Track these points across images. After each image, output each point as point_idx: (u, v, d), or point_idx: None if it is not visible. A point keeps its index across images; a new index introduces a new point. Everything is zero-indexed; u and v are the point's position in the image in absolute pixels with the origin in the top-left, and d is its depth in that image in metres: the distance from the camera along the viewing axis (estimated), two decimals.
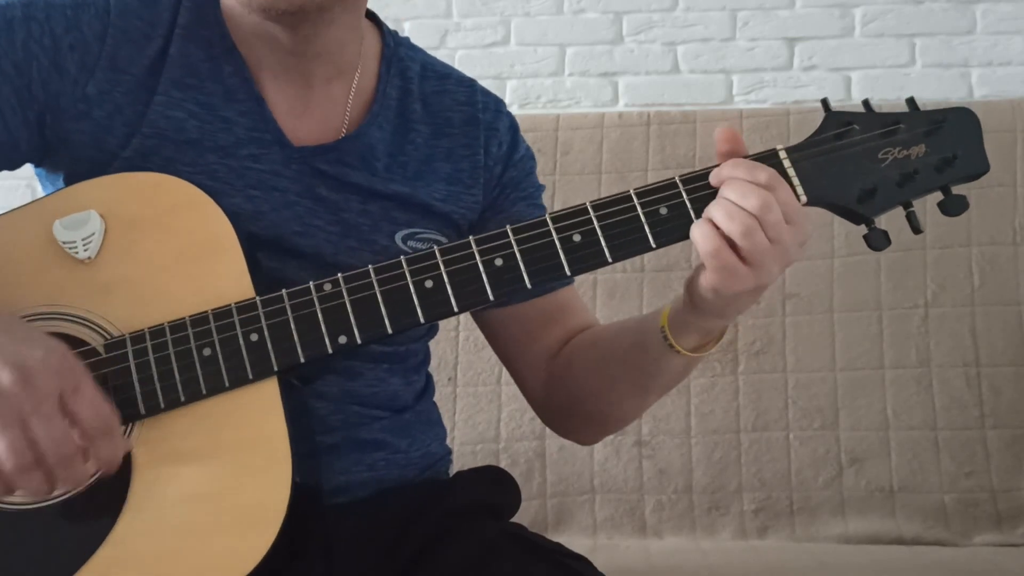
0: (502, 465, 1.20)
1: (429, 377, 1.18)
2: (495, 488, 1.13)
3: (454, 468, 1.18)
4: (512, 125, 1.17)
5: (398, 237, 1.06)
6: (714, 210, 0.90)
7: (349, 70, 1.08)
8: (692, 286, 0.94)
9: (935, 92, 2.28)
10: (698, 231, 0.90)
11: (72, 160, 0.99)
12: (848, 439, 1.74)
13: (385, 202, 1.06)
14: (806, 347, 1.77)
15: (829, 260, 1.79)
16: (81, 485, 0.85)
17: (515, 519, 1.13)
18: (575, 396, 1.12)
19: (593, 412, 1.12)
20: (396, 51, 1.12)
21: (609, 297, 1.82)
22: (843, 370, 1.76)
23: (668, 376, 1.05)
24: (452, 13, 2.40)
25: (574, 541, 1.19)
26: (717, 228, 0.89)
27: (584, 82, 2.38)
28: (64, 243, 0.92)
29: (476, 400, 1.77)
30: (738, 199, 0.88)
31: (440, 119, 1.12)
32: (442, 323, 1.20)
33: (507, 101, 2.42)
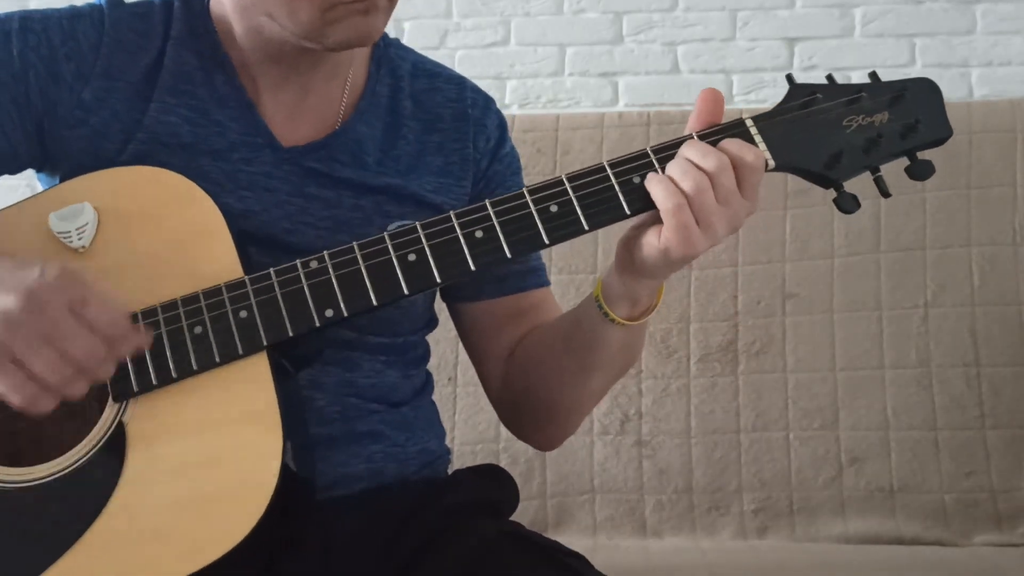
0: (502, 465, 1.20)
1: (429, 375, 1.19)
2: (493, 486, 1.14)
3: (454, 468, 1.18)
4: (500, 123, 1.19)
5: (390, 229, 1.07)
6: (671, 166, 0.92)
7: (342, 72, 1.10)
8: (633, 245, 0.96)
9: None
10: (659, 187, 0.92)
11: (70, 165, 1.01)
12: (848, 439, 1.74)
13: (378, 196, 1.08)
14: (806, 347, 1.77)
15: (829, 260, 1.79)
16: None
17: (514, 518, 1.13)
18: (526, 385, 1.13)
19: (542, 401, 1.12)
20: (386, 51, 1.15)
21: None
22: (843, 370, 1.76)
23: (607, 350, 1.05)
24: (452, 13, 2.41)
25: (574, 541, 1.19)
26: (676, 185, 0.91)
27: (584, 82, 2.38)
28: (59, 233, 0.94)
29: (476, 400, 1.77)
30: (696, 158, 0.91)
31: (431, 115, 1.14)
32: (441, 323, 1.21)
33: (507, 101, 2.43)
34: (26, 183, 2.31)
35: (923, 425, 1.73)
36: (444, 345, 1.75)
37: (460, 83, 1.17)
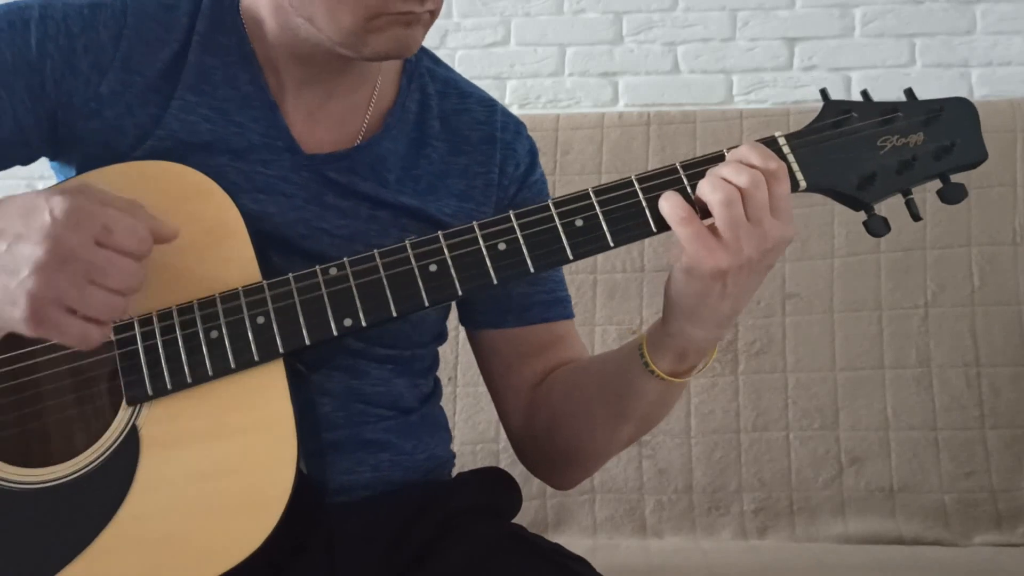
0: (502, 465, 1.19)
1: (437, 381, 1.17)
2: (496, 489, 1.12)
3: (456, 469, 1.18)
4: (532, 150, 1.16)
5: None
6: (702, 183, 0.90)
7: (370, 80, 1.08)
8: (668, 284, 0.94)
9: (935, 92, 2.25)
10: (667, 201, 0.90)
11: (83, 157, 1.00)
12: (848, 439, 1.74)
13: (394, 211, 1.06)
14: (806, 347, 1.77)
15: (829, 260, 1.79)
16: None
17: (515, 519, 1.13)
18: (550, 424, 1.10)
19: (567, 442, 1.10)
20: (418, 66, 1.12)
21: (609, 297, 1.82)
22: (843, 370, 1.76)
23: (643, 402, 1.02)
24: (452, 13, 2.41)
25: (574, 541, 1.19)
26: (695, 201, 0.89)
27: (584, 82, 2.38)
28: None
29: (476, 400, 1.77)
30: (729, 175, 0.89)
31: (458, 137, 1.11)
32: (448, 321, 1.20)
33: (507, 101, 2.43)
34: (26, 183, 2.32)
35: (923, 425, 1.73)
36: (444, 345, 1.74)
37: (491, 106, 1.15)
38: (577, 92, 2.38)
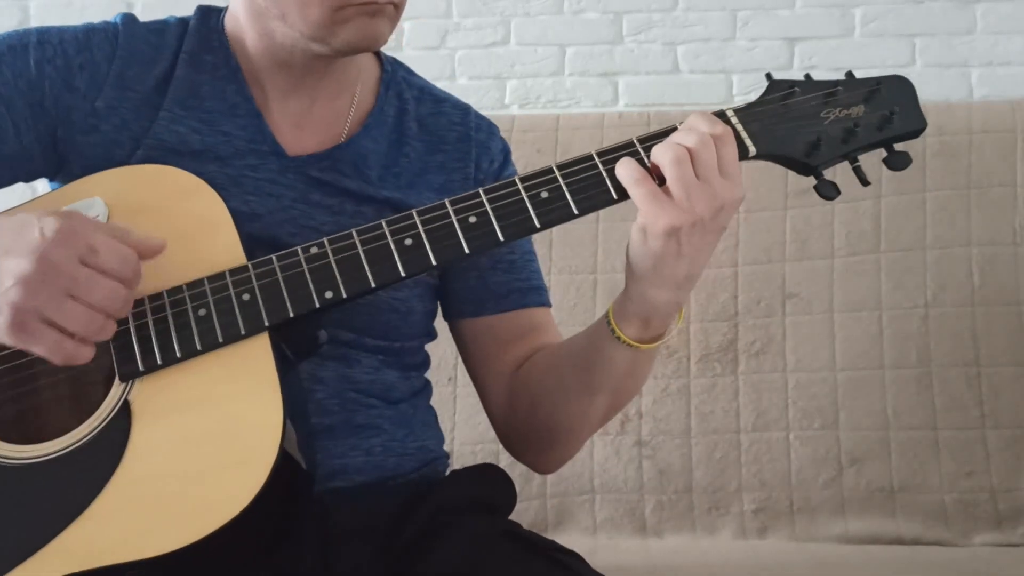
0: (501, 465, 1.20)
1: (428, 382, 1.21)
2: (491, 485, 1.15)
3: (453, 468, 1.19)
4: (504, 149, 1.22)
5: None
6: (655, 148, 0.95)
7: (349, 88, 1.14)
8: (627, 249, 0.98)
9: (935, 92, 2.28)
10: (623, 167, 0.95)
11: (83, 169, 1.04)
12: (848, 439, 1.74)
13: (378, 205, 1.10)
14: (806, 347, 1.77)
15: (829, 260, 1.79)
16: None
17: (515, 519, 1.14)
18: (529, 405, 1.13)
19: (546, 419, 1.12)
20: (394, 75, 1.18)
21: (609, 297, 1.81)
22: (843, 370, 1.76)
23: (614, 371, 1.06)
24: (452, 13, 2.40)
25: (574, 541, 1.19)
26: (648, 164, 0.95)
27: (584, 82, 2.38)
28: None
29: (476, 400, 1.75)
30: (679, 138, 0.95)
31: (435, 137, 1.17)
32: (440, 321, 1.21)
33: (507, 101, 2.43)
34: (26, 184, 2.31)
35: (923, 425, 1.73)
36: (444, 345, 1.74)
37: (465, 109, 1.21)
38: (577, 92, 2.38)
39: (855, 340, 1.76)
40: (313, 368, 1.04)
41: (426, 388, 1.19)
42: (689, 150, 0.93)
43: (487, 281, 1.17)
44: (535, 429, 1.14)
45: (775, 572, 1.57)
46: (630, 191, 0.94)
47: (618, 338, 1.02)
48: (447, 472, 1.18)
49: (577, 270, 1.82)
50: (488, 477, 1.16)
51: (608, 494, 1.76)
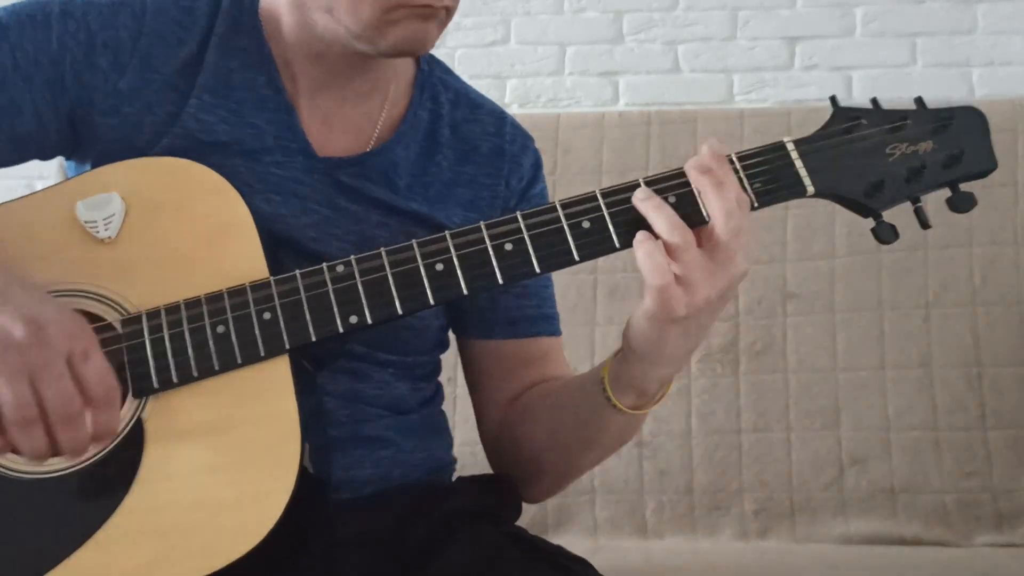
0: None
1: (439, 386, 1.18)
2: (497, 493, 1.13)
3: (456, 470, 1.18)
4: (536, 162, 1.18)
5: None
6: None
7: (383, 87, 1.09)
8: (626, 330, 0.96)
9: (936, 92, 2.28)
10: (642, 250, 0.90)
11: (100, 153, 1.01)
12: (849, 439, 1.73)
13: (403, 218, 1.07)
14: (807, 347, 1.77)
15: (830, 260, 1.79)
16: (78, 456, 0.86)
17: (515, 521, 1.13)
18: (521, 440, 1.12)
19: (535, 459, 1.12)
20: (430, 76, 1.13)
21: (609, 297, 1.82)
22: (844, 370, 1.76)
23: (609, 432, 1.04)
24: None
25: (575, 542, 1.19)
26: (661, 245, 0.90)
27: (584, 81, 2.38)
28: (86, 223, 0.94)
29: None
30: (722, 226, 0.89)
31: (467, 146, 1.13)
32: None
33: (507, 101, 2.43)
34: (25, 183, 2.31)
35: (924, 425, 1.73)
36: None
37: (501, 117, 1.16)
38: (577, 91, 2.38)
39: (856, 340, 1.76)
40: (323, 380, 1.01)
41: (437, 394, 1.17)
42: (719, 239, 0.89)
43: (498, 305, 1.13)
44: (518, 466, 1.14)
45: (776, 573, 1.57)
46: (647, 276, 0.89)
47: (614, 406, 1.00)
48: (453, 478, 1.17)
49: (577, 270, 1.81)
50: (494, 485, 1.14)
51: (608, 494, 1.76)
